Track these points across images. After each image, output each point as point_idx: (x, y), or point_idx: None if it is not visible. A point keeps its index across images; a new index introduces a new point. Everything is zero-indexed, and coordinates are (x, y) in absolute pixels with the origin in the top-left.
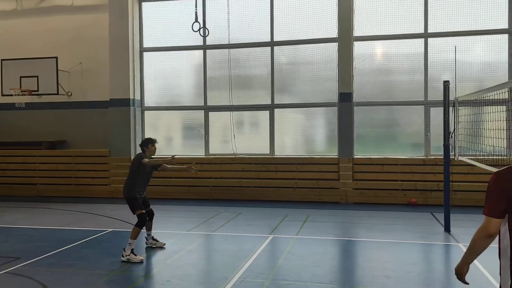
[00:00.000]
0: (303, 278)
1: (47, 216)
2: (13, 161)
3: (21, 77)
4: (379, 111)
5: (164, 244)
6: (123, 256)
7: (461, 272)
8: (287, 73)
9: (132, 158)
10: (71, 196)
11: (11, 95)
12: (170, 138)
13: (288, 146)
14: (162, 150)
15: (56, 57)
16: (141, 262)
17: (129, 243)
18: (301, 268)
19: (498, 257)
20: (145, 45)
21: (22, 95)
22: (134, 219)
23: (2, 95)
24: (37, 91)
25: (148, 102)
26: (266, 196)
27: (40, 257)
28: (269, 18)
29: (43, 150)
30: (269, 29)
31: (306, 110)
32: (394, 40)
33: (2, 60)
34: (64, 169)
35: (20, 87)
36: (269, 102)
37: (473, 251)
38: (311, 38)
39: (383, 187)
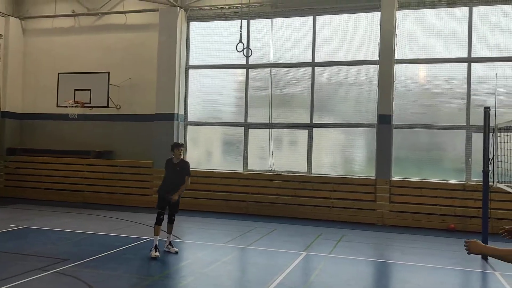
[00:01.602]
0: None
1: (92, 222)
2: (63, 168)
3: (75, 89)
4: (420, 134)
5: (177, 251)
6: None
7: (473, 248)
8: (327, 93)
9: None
10: (114, 204)
11: (66, 106)
12: (210, 153)
13: (326, 165)
14: (202, 164)
15: (108, 72)
16: (154, 258)
17: (154, 239)
18: (332, 285)
19: None
20: (191, 62)
21: (75, 106)
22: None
23: (57, 106)
24: (89, 103)
25: (191, 117)
26: (301, 213)
27: (86, 260)
28: (311, 40)
29: (90, 159)
30: (311, 50)
31: (345, 131)
32: (436, 64)
33: (59, 73)
34: (109, 178)
35: (74, 99)
36: (308, 121)
37: (501, 257)
38: (352, 59)
39: (421, 211)
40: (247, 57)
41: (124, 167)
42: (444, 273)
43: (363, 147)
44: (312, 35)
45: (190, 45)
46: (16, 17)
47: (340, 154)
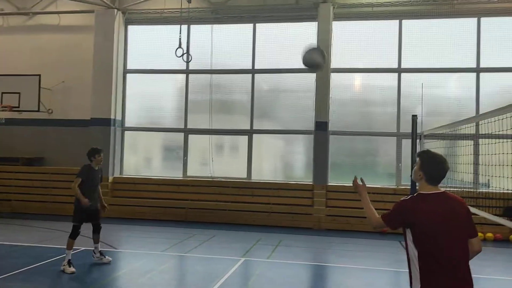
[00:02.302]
0: None
1: (22, 233)
2: None
3: (2, 93)
4: (355, 140)
5: (110, 261)
6: (62, 265)
7: (356, 186)
8: (267, 100)
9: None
10: (46, 214)
11: None
12: (149, 159)
13: (266, 171)
14: (140, 171)
15: (39, 75)
16: (72, 273)
17: (66, 254)
18: None
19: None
20: (129, 66)
21: (3, 110)
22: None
23: None
24: (18, 107)
25: (129, 122)
26: (241, 219)
27: (13, 273)
28: (251, 47)
29: (19, 166)
30: (251, 57)
31: (284, 137)
32: (369, 73)
33: None
34: (40, 186)
35: (1, 102)
36: (248, 127)
37: (367, 216)
38: (291, 67)
39: (355, 215)
40: (187, 62)
41: (57, 174)
42: (375, 274)
43: (302, 153)
44: (252, 42)
45: (128, 48)
46: None
47: (280, 160)
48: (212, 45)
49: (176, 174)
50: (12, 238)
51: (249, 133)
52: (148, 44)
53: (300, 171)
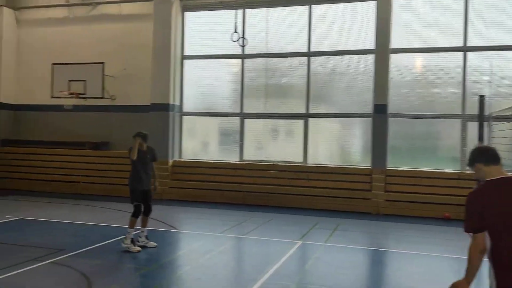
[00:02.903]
0: (328, 283)
1: (88, 213)
2: (58, 160)
3: (69, 80)
4: (415, 123)
5: (156, 246)
6: (123, 243)
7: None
8: (324, 83)
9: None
10: (109, 195)
11: (60, 97)
12: (206, 143)
13: (322, 155)
14: (198, 155)
15: (103, 63)
16: (138, 252)
17: (128, 232)
18: (327, 274)
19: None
20: (186, 52)
21: (70, 97)
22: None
23: (52, 97)
24: (84, 94)
25: (186, 107)
26: (297, 203)
27: (81, 250)
28: (307, 29)
29: (86, 150)
30: (307, 40)
31: (341, 120)
32: (432, 53)
33: (53, 64)
34: (104, 169)
35: (69, 90)
36: (304, 111)
37: (471, 269)
38: (348, 49)
39: (416, 200)
40: (243, 47)
41: (120, 158)
42: (438, 260)
43: (359, 137)
44: (308, 25)
45: (185, 35)
46: (10, 7)
47: (336, 144)
48: (267, 29)
49: (232, 158)
50: (81, 217)
51: (305, 117)
52: (204, 30)
53: (357, 155)
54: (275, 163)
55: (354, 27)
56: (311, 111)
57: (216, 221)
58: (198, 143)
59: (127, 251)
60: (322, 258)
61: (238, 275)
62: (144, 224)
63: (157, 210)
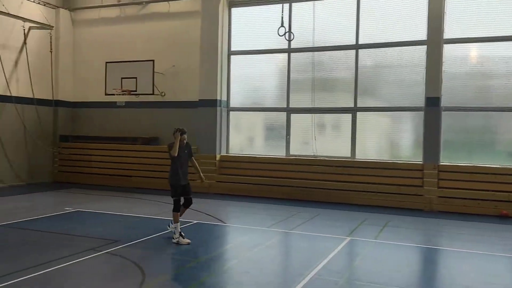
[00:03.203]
0: (379, 280)
1: (141, 206)
2: (112, 154)
3: (122, 78)
4: (471, 116)
5: (189, 243)
6: (173, 238)
7: None
8: (372, 76)
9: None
10: (160, 189)
11: (113, 94)
12: (252, 138)
13: (370, 149)
14: (244, 150)
15: (153, 60)
16: (188, 244)
17: (175, 227)
18: (377, 271)
19: None
20: (233, 48)
21: (123, 94)
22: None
23: (106, 94)
24: (135, 91)
25: (233, 103)
26: (345, 198)
27: (135, 241)
28: (355, 21)
29: (138, 145)
30: (355, 32)
31: (390, 114)
32: (489, 43)
33: (106, 62)
34: (155, 164)
35: (121, 87)
36: (352, 105)
37: None
38: (398, 40)
39: (472, 197)
40: (289, 41)
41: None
42: (494, 259)
43: (410, 131)
44: (356, 17)
45: (232, 31)
46: (65, 9)
47: (385, 138)
48: (314, 22)
49: (279, 152)
50: (134, 210)
51: (353, 111)
52: (251, 25)
53: (407, 150)
54: (322, 158)
55: (404, 17)
56: (359, 105)
57: (263, 215)
58: (244, 138)
59: (178, 244)
60: (372, 255)
61: (285, 269)
62: (181, 214)
63: (204, 204)
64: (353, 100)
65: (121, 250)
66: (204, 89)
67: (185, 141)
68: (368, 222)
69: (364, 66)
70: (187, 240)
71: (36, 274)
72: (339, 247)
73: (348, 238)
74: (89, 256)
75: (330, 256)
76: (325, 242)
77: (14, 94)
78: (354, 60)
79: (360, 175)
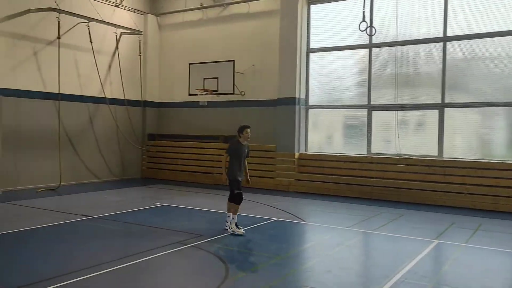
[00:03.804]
0: (471, 286)
1: (224, 202)
2: (196, 152)
3: (204, 78)
4: None
5: (243, 234)
6: (228, 228)
7: None
8: (461, 70)
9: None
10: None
11: (196, 94)
12: (331, 136)
13: (459, 148)
14: (323, 148)
15: (233, 60)
16: (242, 234)
17: (232, 218)
18: (469, 276)
19: None
20: (312, 46)
21: (205, 94)
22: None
23: (189, 94)
24: (217, 91)
25: (312, 101)
26: (431, 199)
27: (218, 236)
28: (443, 12)
29: (219, 143)
30: (442, 24)
31: (482, 110)
32: None
33: (190, 64)
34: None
35: (203, 87)
36: (438, 101)
37: None
38: (491, 31)
39: None
40: (371, 36)
41: (250, 151)
42: None
43: (504, 128)
44: (443, 7)
45: (311, 28)
46: (152, 14)
47: (475, 136)
48: (397, 15)
49: (359, 151)
50: (217, 206)
51: (440, 107)
52: (330, 21)
53: (501, 148)
54: (406, 156)
55: (497, 5)
56: (447, 100)
57: (344, 214)
58: (323, 136)
59: (258, 239)
60: (462, 260)
61: (369, 270)
62: (236, 212)
63: (283, 202)
64: (440, 96)
65: (205, 244)
66: (282, 88)
67: (249, 136)
68: (457, 225)
69: (453, 59)
70: (241, 231)
71: (125, 265)
72: (426, 250)
73: (436, 241)
74: (176, 249)
75: (417, 259)
76: (410, 245)
77: (108, 96)
78: (441, 53)
79: (448, 175)
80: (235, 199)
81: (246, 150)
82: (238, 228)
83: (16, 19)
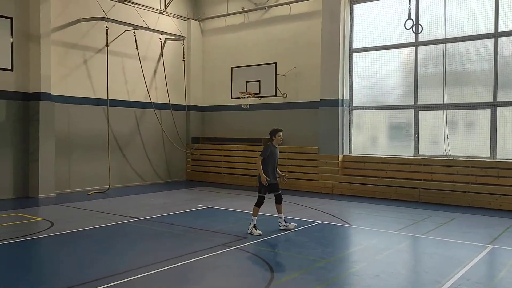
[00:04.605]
0: None
1: (267, 205)
2: (239, 155)
3: (246, 82)
4: None
5: (295, 226)
6: (248, 229)
7: None
8: None
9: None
10: (284, 189)
11: (239, 97)
12: (375, 138)
13: None
14: (367, 150)
15: (275, 63)
16: (259, 235)
17: (252, 219)
18: None
19: None
20: (355, 46)
21: (247, 97)
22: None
23: (232, 98)
24: (259, 93)
25: (355, 102)
26: (484, 203)
27: (263, 239)
28: (493, 6)
29: (261, 146)
30: (493, 19)
31: None
32: None
33: (232, 67)
34: (279, 164)
35: (246, 90)
36: (490, 99)
37: None
38: None
39: None
40: (417, 34)
41: (293, 153)
42: None
43: None
44: (494, 1)
45: (354, 28)
46: (195, 20)
47: None
48: (445, 12)
49: (406, 152)
50: (260, 208)
51: (492, 105)
52: (373, 21)
53: None
54: (455, 158)
55: None
56: (500, 99)
57: (391, 218)
58: (367, 137)
59: (303, 242)
60: None
61: (419, 275)
62: (279, 211)
63: (328, 205)
64: (492, 94)
65: (250, 247)
66: (325, 89)
67: (281, 138)
68: None
69: (506, 55)
70: (258, 232)
71: (173, 266)
72: (480, 256)
73: (490, 246)
74: (222, 251)
75: (470, 265)
76: (462, 250)
77: (153, 100)
78: (493, 50)
79: (503, 177)
80: (258, 202)
81: (279, 152)
82: (256, 229)
83: (68, 29)
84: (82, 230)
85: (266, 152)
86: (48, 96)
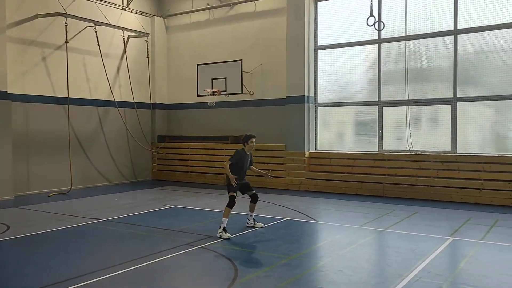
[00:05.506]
0: (488, 285)
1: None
2: (205, 153)
3: (212, 79)
4: None
5: (263, 226)
6: (218, 232)
7: None
8: (473, 63)
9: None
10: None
11: (205, 95)
12: (342, 134)
13: (473, 143)
14: (334, 146)
15: (241, 60)
16: (228, 239)
17: (222, 221)
18: (486, 274)
19: None
20: (320, 43)
21: (213, 95)
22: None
23: (198, 95)
24: (225, 91)
25: (321, 98)
26: (446, 196)
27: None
28: (453, 4)
29: (229, 144)
30: (452, 17)
31: (495, 104)
32: None
33: (198, 65)
34: (256, 162)
35: (212, 88)
36: (450, 95)
37: None
38: (504, 22)
39: None
40: (379, 31)
41: (260, 150)
42: None
43: None
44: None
45: (319, 25)
46: (159, 16)
47: (490, 131)
48: (406, 9)
49: (370, 148)
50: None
51: (452, 101)
52: (338, 18)
53: None
54: (418, 153)
55: None
56: (459, 95)
57: (356, 213)
58: (333, 134)
59: (269, 239)
60: (479, 257)
61: (382, 269)
62: (252, 210)
63: (294, 201)
64: (452, 90)
65: (214, 246)
66: (291, 86)
67: (253, 145)
68: (473, 221)
69: (464, 52)
70: (227, 235)
71: (136, 267)
72: (441, 248)
73: (451, 239)
74: (185, 250)
75: (431, 257)
76: (424, 242)
77: (117, 99)
78: (452, 47)
79: (463, 170)
80: (232, 202)
81: (249, 159)
82: (225, 232)
83: (24, 25)
84: (40, 233)
85: (235, 159)
86: (4, 95)
